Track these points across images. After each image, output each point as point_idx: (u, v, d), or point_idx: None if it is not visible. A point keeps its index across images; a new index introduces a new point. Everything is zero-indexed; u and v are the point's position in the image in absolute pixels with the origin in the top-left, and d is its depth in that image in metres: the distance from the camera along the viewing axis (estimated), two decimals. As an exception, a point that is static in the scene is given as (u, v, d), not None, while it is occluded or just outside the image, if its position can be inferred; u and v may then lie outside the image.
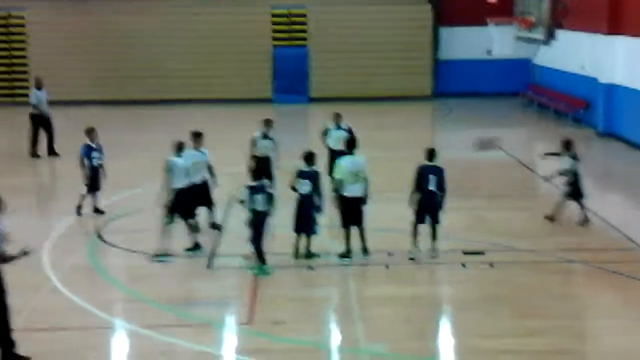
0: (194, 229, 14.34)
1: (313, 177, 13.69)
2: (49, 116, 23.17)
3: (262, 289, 12.58)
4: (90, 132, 16.82)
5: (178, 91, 33.58)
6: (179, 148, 14.36)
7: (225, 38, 33.68)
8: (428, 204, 13.70)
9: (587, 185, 20.10)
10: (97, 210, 16.76)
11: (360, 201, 13.71)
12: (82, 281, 13.04)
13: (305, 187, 13.64)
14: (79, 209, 16.60)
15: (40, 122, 22.80)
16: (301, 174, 13.75)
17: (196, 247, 14.30)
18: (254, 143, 17.17)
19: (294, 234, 13.84)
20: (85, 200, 16.67)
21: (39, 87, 23.52)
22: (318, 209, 13.78)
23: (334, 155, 17.57)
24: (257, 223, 13.14)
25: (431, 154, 13.97)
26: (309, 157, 13.83)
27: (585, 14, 27.00)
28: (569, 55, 29.25)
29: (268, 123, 17.29)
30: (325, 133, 18.14)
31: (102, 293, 12.58)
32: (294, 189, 13.80)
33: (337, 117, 18.12)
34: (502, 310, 11.79)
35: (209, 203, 15.42)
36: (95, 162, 16.56)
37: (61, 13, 33.65)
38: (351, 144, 14.07)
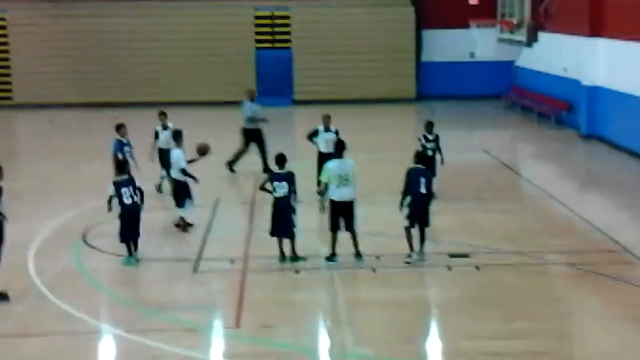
0: None
1: (288, 178, 13.68)
2: (262, 130, 20.80)
3: (248, 292, 12.57)
4: (119, 128, 17.42)
5: (160, 94, 33.48)
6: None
7: (208, 40, 33.69)
8: (420, 207, 13.73)
9: (571, 187, 20.40)
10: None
11: (350, 205, 13.69)
12: (68, 286, 12.98)
13: (281, 189, 13.63)
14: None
15: (254, 138, 20.30)
16: (276, 177, 13.76)
17: None
18: (156, 136, 18.33)
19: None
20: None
21: (252, 98, 21.03)
22: (294, 210, 13.78)
23: (323, 157, 17.64)
24: (126, 216, 13.61)
25: (421, 157, 14.05)
26: (281, 159, 13.84)
27: (566, 16, 27.19)
28: (551, 57, 29.41)
29: (163, 114, 18.63)
30: (313, 135, 18.13)
31: (88, 298, 12.51)
32: (264, 189, 13.83)
33: (327, 119, 18.10)
34: (488, 312, 11.84)
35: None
36: (128, 155, 17.14)
37: (43, 15, 33.57)
38: (340, 147, 14.05)
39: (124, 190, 13.58)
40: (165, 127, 18.40)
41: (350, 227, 13.75)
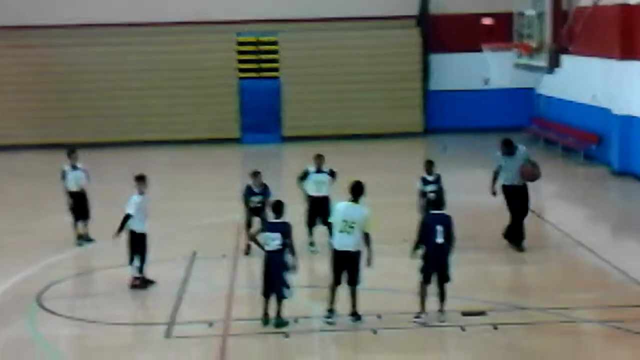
0: None
1: (283, 229, 13.51)
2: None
3: (230, 361, 12.43)
4: (254, 175, 17.71)
5: (133, 131, 33.46)
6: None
7: (185, 70, 33.64)
8: (436, 260, 13.60)
9: (603, 232, 20.26)
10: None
11: (352, 257, 13.52)
12: (22, 356, 12.82)
13: (274, 242, 13.46)
14: (248, 247, 17.29)
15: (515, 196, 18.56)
16: (269, 227, 13.62)
17: None
18: (63, 176, 18.78)
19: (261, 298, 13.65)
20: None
21: (509, 152, 19.32)
22: (291, 267, 13.56)
23: (314, 202, 17.66)
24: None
25: (438, 202, 13.94)
26: (278, 207, 13.70)
27: (594, 37, 27.23)
28: (578, 83, 29.49)
29: (72, 152, 19.03)
30: (303, 177, 18.11)
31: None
32: (256, 243, 13.78)
33: (319, 159, 18.15)
34: (508, 380, 11.70)
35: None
36: (253, 205, 17.44)
37: (-5, 45, 33.62)
38: (354, 190, 13.79)
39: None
40: (74, 167, 18.81)
41: (350, 282, 13.60)
